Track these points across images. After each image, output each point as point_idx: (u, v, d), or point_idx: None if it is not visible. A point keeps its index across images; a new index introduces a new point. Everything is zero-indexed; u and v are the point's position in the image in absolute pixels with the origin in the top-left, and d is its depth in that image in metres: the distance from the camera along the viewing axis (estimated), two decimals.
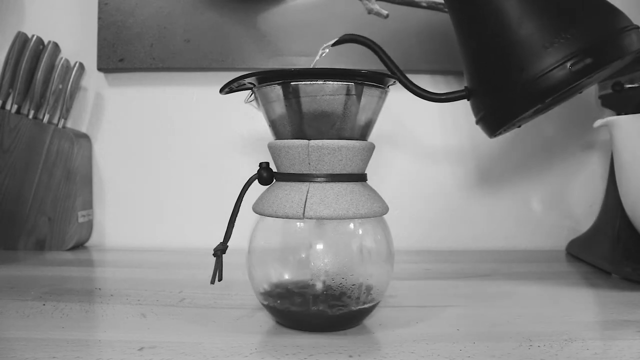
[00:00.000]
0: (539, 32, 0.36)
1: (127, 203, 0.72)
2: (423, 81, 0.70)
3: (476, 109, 0.42)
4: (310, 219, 0.34)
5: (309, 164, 0.35)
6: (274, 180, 0.38)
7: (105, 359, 0.31)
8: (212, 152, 0.71)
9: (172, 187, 0.72)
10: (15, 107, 0.66)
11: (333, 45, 0.44)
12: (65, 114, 0.67)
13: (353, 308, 0.35)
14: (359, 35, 0.43)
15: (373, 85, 0.36)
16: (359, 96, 0.36)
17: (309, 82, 0.35)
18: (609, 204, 0.61)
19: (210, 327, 0.37)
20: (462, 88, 0.43)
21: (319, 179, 0.36)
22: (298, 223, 0.37)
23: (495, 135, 0.42)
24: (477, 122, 0.43)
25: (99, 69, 0.69)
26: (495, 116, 0.40)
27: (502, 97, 0.38)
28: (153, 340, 0.34)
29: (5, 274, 0.52)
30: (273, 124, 0.38)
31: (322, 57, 0.43)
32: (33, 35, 0.66)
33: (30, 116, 0.66)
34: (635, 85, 0.53)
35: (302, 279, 0.37)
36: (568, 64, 0.35)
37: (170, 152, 0.72)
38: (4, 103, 0.66)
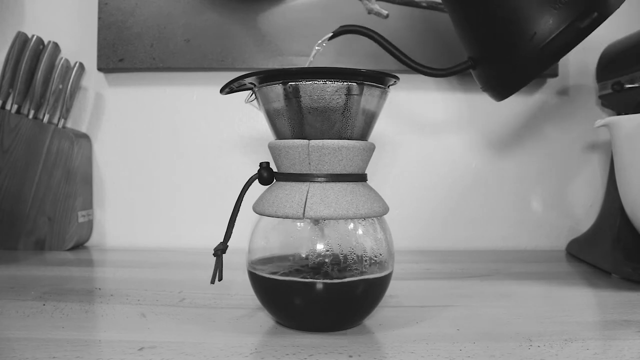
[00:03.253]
0: None
1: (127, 203, 0.72)
2: (423, 81, 0.70)
3: (484, 78, 0.43)
4: (310, 219, 0.34)
5: (309, 164, 0.35)
6: (274, 180, 0.38)
7: (105, 359, 0.31)
8: (212, 152, 0.72)
9: (172, 187, 0.72)
10: (15, 107, 0.66)
11: (330, 39, 0.44)
12: (65, 114, 0.67)
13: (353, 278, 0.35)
14: (354, 25, 0.43)
15: (373, 85, 0.36)
16: (359, 96, 0.36)
17: (309, 82, 0.35)
18: (609, 204, 0.61)
19: (210, 327, 0.37)
20: (465, 59, 0.43)
21: (319, 179, 0.36)
22: (298, 223, 0.37)
23: (503, 99, 0.43)
24: (485, 90, 0.43)
25: (99, 69, 0.69)
26: (507, 82, 0.41)
27: (514, 62, 0.39)
28: (153, 340, 0.34)
29: (5, 274, 0.52)
30: (273, 124, 0.38)
31: (318, 53, 0.43)
32: (33, 35, 0.66)
33: (30, 116, 0.66)
34: (635, 85, 0.53)
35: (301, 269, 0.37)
36: (578, 21, 0.36)
37: (170, 152, 0.72)
38: (4, 103, 0.66)
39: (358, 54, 0.68)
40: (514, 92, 0.42)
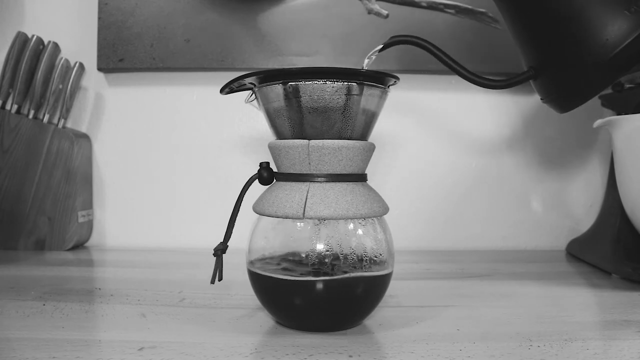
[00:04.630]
0: None
1: (127, 203, 0.72)
2: (424, 81, 0.70)
3: (546, 89, 0.40)
4: (310, 219, 0.34)
5: (309, 164, 0.35)
6: (274, 180, 0.38)
7: (105, 359, 0.31)
8: (213, 152, 0.72)
9: (172, 187, 0.72)
10: (15, 107, 0.66)
11: (381, 50, 0.41)
12: (65, 114, 0.67)
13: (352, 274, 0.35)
14: (406, 35, 0.41)
15: (373, 85, 0.36)
16: (359, 96, 0.36)
17: (309, 82, 0.35)
18: (609, 204, 0.61)
19: (210, 327, 0.37)
20: (526, 69, 0.41)
21: (319, 179, 0.36)
22: (298, 223, 0.37)
23: (566, 112, 0.41)
24: (547, 102, 0.41)
25: (99, 69, 0.69)
26: (573, 93, 0.38)
27: (583, 72, 0.36)
28: (153, 340, 0.34)
29: (5, 274, 0.52)
30: (273, 124, 0.38)
31: (369, 65, 0.40)
32: (33, 35, 0.66)
33: (30, 116, 0.66)
34: (635, 85, 0.53)
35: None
36: None
37: (170, 152, 0.72)
38: (4, 103, 0.66)
39: (358, 54, 0.68)
40: (580, 105, 0.39)
